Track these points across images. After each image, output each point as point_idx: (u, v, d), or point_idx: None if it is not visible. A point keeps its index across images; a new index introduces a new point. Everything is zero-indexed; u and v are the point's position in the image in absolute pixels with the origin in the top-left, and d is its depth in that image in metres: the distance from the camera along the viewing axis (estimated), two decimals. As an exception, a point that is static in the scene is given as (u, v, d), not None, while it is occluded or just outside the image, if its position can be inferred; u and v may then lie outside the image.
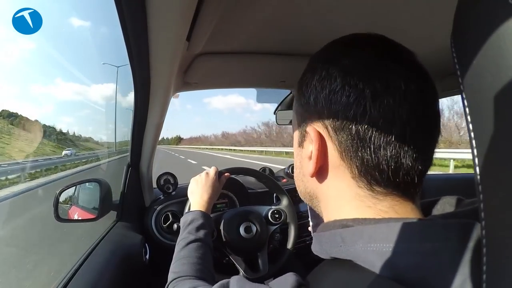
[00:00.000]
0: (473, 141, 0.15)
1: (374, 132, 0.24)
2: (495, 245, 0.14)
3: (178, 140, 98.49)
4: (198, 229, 0.59)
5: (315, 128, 0.27)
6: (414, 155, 0.24)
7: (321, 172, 0.28)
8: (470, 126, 0.16)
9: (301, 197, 0.34)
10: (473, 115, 0.15)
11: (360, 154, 0.24)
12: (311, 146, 0.27)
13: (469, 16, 0.16)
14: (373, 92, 0.23)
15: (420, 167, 0.24)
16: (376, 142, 0.24)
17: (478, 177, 0.15)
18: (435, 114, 0.25)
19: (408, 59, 0.26)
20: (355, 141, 0.24)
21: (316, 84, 0.27)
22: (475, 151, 0.15)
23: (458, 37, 0.17)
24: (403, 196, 0.25)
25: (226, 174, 0.79)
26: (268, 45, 0.64)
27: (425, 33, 0.57)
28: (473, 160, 0.15)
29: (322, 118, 0.26)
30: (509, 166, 0.13)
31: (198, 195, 0.69)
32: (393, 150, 0.23)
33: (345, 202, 0.27)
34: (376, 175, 0.25)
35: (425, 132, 0.25)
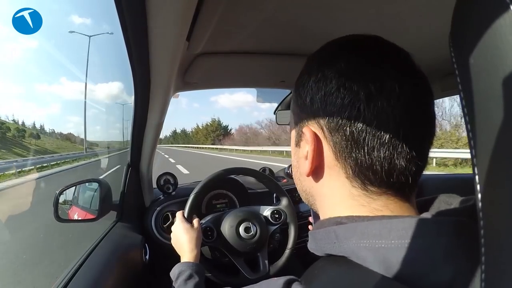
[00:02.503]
0: (472, 141, 0.16)
1: (368, 134, 0.24)
2: (493, 245, 0.15)
3: (219, 132, 39.57)
4: (186, 282, 0.59)
5: (311, 128, 0.27)
6: (408, 156, 0.24)
7: (316, 171, 0.28)
8: (469, 126, 0.16)
9: (299, 194, 0.34)
10: (471, 115, 0.16)
11: (354, 155, 0.25)
12: (307, 146, 0.28)
13: (467, 16, 0.16)
14: (367, 95, 0.24)
15: (414, 167, 0.25)
16: (370, 143, 0.24)
17: (477, 177, 0.15)
18: (430, 115, 0.26)
19: (403, 61, 0.26)
20: (349, 142, 0.25)
21: (312, 85, 0.27)
22: (473, 151, 0.15)
23: (456, 37, 0.17)
24: (398, 196, 0.26)
25: (195, 220, 0.75)
26: (268, 45, 0.64)
27: (424, 33, 0.57)
28: (472, 160, 0.15)
29: (317, 119, 0.27)
30: (508, 166, 0.14)
31: (179, 245, 0.70)
32: (387, 152, 0.24)
33: (339, 201, 0.27)
34: (370, 176, 0.25)
35: (419, 133, 0.25)
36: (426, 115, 0.25)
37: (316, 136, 0.27)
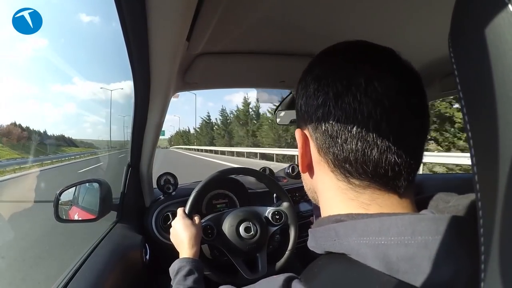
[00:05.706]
0: (471, 141, 0.16)
1: (339, 128, 0.26)
2: (492, 244, 0.15)
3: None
4: (185, 277, 0.59)
5: (300, 129, 0.31)
6: (382, 148, 0.25)
7: (310, 168, 0.32)
8: (468, 126, 0.16)
9: (307, 193, 0.36)
10: (471, 115, 0.16)
11: (331, 150, 0.27)
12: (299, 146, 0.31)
13: (466, 16, 0.16)
14: (335, 93, 0.26)
15: (393, 159, 0.25)
16: (342, 137, 0.26)
17: (476, 176, 0.15)
18: (414, 108, 0.26)
19: (379, 59, 0.27)
20: (326, 138, 0.27)
21: (300, 91, 0.31)
22: (473, 150, 0.15)
23: (456, 38, 0.17)
24: (384, 189, 0.27)
25: (195, 217, 0.74)
26: (268, 45, 0.64)
27: (424, 34, 0.57)
28: (471, 159, 0.16)
29: (304, 120, 0.30)
30: (507, 166, 0.14)
31: (179, 241, 0.69)
32: (358, 143, 0.26)
33: (333, 195, 0.29)
34: (347, 168, 0.27)
35: (394, 126, 0.25)
36: (401, 108, 0.26)
37: (304, 136, 0.30)
